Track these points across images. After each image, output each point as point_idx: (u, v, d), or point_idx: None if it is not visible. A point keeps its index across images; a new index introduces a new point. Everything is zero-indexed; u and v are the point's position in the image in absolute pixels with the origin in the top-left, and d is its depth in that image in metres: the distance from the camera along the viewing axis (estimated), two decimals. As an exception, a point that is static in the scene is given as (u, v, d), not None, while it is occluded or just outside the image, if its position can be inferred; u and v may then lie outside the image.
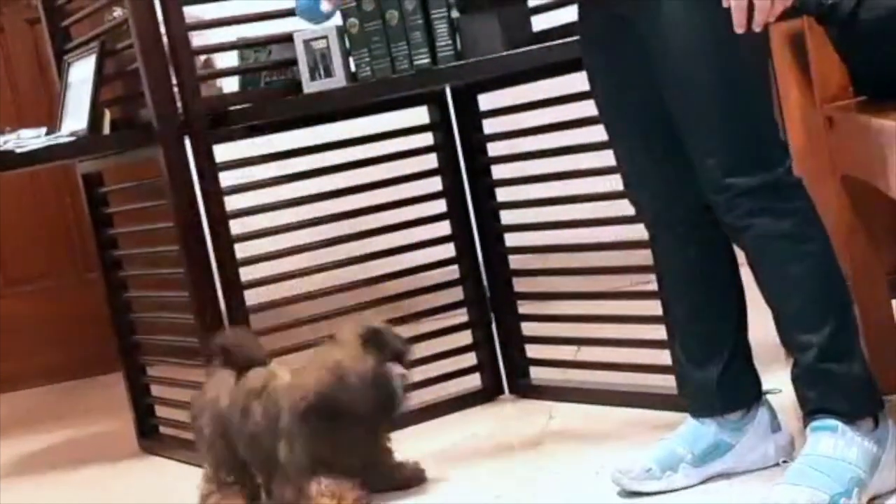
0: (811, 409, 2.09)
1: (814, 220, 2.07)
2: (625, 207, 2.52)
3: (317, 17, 2.34)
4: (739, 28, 1.90)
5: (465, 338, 3.19)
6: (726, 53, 2.01)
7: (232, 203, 2.94)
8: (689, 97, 2.05)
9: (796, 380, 2.10)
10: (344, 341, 2.43)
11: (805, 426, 2.10)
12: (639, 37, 2.10)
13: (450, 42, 2.85)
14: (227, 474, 2.54)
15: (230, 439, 2.51)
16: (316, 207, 3.09)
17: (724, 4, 1.90)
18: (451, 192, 3.17)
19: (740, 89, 2.04)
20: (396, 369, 2.40)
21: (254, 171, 3.08)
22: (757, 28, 1.90)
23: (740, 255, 2.24)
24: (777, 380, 2.39)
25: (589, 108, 2.67)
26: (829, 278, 2.07)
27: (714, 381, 2.25)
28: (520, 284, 3.17)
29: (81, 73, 3.09)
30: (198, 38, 3.07)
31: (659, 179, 2.21)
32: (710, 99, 2.03)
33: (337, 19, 2.94)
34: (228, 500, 2.52)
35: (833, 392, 2.05)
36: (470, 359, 3.16)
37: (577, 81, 2.71)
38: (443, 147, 3.17)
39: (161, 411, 3.37)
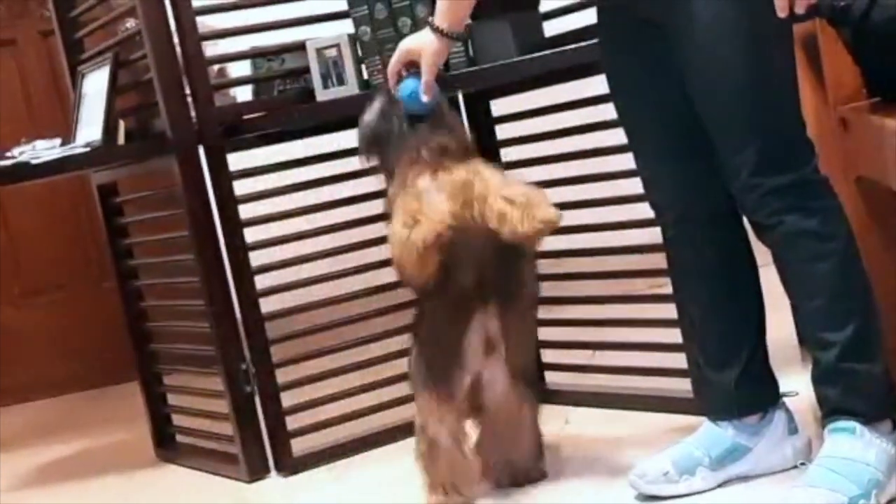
0: (830, 410, 2.08)
1: (840, 219, 2.07)
2: (639, 211, 2.52)
3: (422, 108, 2.33)
4: (782, 12, 1.91)
5: (481, 343, 3.19)
6: (755, 53, 2.01)
7: (246, 211, 2.95)
8: (718, 97, 2.05)
9: (816, 379, 2.10)
10: None
11: (823, 427, 2.10)
12: (664, 39, 2.10)
13: (462, 48, 2.86)
14: None
15: None
16: (330, 215, 3.09)
17: None
18: (465, 197, 3.17)
19: (769, 89, 2.04)
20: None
21: (268, 179, 3.09)
22: (799, 10, 1.90)
23: (760, 257, 2.24)
24: (794, 382, 2.39)
25: (602, 113, 2.69)
26: (853, 277, 2.07)
27: (732, 383, 2.25)
28: (534, 289, 3.16)
29: (95, 83, 3.10)
30: (211, 48, 3.08)
31: (680, 180, 2.22)
32: (739, 99, 2.03)
33: (349, 27, 2.95)
34: None
35: (853, 392, 2.05)
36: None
37: (590, 86, 2.72)
38: (456, 153, 3.17)
39: (178, 420, 3.38)
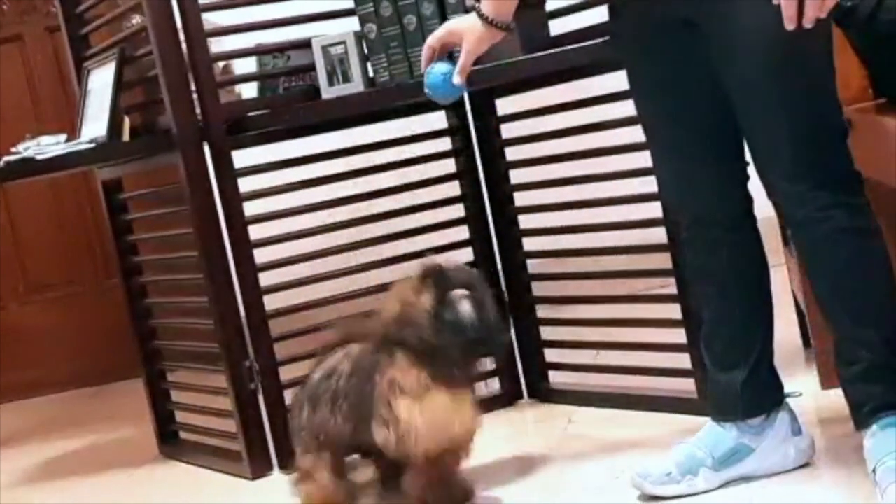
0: (875, 407, 2.06)
1: (874, 216, 2.08)
2: (643, 211, 2.52)
3: (449, 93, 2.27)
4: (790, 24, 1.89)
5: (484, 342, 3.18)
6: (800, 48, 1.99)
7: (251, 208, 2.95)
8: (764, 94, 2.03)
9: (858, 378, 2.08)
10: (402, 285, 2.39)
11: (864, 426, 2.07)
12: (697, 38, 2.09)
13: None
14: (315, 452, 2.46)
15: (319, 408, 2.44)
16: (334, 212, 3.09)
17: (774, 1, 1.89)
18: (470, 196, 3.17)
19: (816, 83, 2.04)
20: (462, 296, 2.34)
21: (273, 177, 3.09)
22: (807, 24, 1.89)
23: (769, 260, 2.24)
24: (796, 383, 2.38)
25: (608, 112, 2.68)
26: (890, 273, 2.08)
27: (738, 385, 2.25)
28: (538, 288, 3.16)
29: (101, 79, 3.10)
30: (216, 45, 3.08)
31: (703, 182, 2.21)
32: (788, 94, 2.02)
33: (354, 24, 2.95)
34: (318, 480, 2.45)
35: None
36: (489, 363, 3.16)
37: (595, 85, 2.71)
38: (461, 152, 3.17)
39: (181, 417, 3.39)
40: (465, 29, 2.24)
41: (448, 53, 2.28)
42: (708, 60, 2.10)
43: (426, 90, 2.28)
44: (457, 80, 2.24)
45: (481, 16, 2.22)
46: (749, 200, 2.21)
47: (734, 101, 2.09)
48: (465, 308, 2.34)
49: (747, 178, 2.20)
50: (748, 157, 2.18)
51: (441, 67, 2.25)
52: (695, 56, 2.12)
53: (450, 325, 2.32)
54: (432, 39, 2.27)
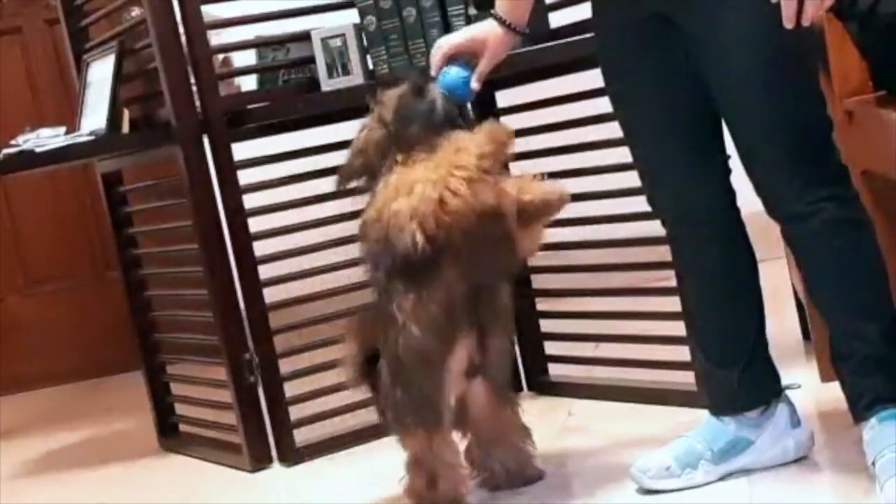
0: (874, 399, 2.06)
1: (864, 208, 2.10)
2: (644, 203, 2.52)
3: (466, 96, 2.28)
4: (788, 23, 1.89)
5: (484, 335, 3.18)
6: (791, 46, 2.00)
7: (250, 201, 2.94)
8: (759, 95, 2.03)
9: (854, 371, 2.09)
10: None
11: (863, 419, 2.07)
12: (681, 39, 2.09)
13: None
14: None
15: None
16: (334, 205, 3.08)
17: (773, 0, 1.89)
18: (470, 189, 3.16)
19: (807, 80, 2.06)
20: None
21: (273, 169, 3.08)
22: (806, 23, 1.89)
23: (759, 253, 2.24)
24: (795, 376, 2.38)
25: (607, 104, 2.67)
26: (883, 264, 2.08)
27: (735, 380, 2.24)
28: (538, 281, 3.16)
29: (100, 72, 3.10)
30: (216, 37, 3.08)
31: (684, 180, 2.20)
32: (781, 94, 2.02)
33: (354, 16, 2.95)
34: None
35: None
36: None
37: (596, 78, 2.70)
38: (461, 144, 3.16)
39: (181, 409, 3.39)
40: (487, 35, 2.24)
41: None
42: (688, 60, 2.10)
43: (441, 91, 2.27)
44: (475, 84, 2.25)
45: (500, 20, 2.22)
46: (732, 193, 2.21)
47: (723, 101, 2.09)
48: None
49: (729, 171, 2.21)
50: (729, 150, 2.18)
51: (460, 71, 2.25)
52: (676, 55, 2.11)
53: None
54: (450, 47, 2.26)
